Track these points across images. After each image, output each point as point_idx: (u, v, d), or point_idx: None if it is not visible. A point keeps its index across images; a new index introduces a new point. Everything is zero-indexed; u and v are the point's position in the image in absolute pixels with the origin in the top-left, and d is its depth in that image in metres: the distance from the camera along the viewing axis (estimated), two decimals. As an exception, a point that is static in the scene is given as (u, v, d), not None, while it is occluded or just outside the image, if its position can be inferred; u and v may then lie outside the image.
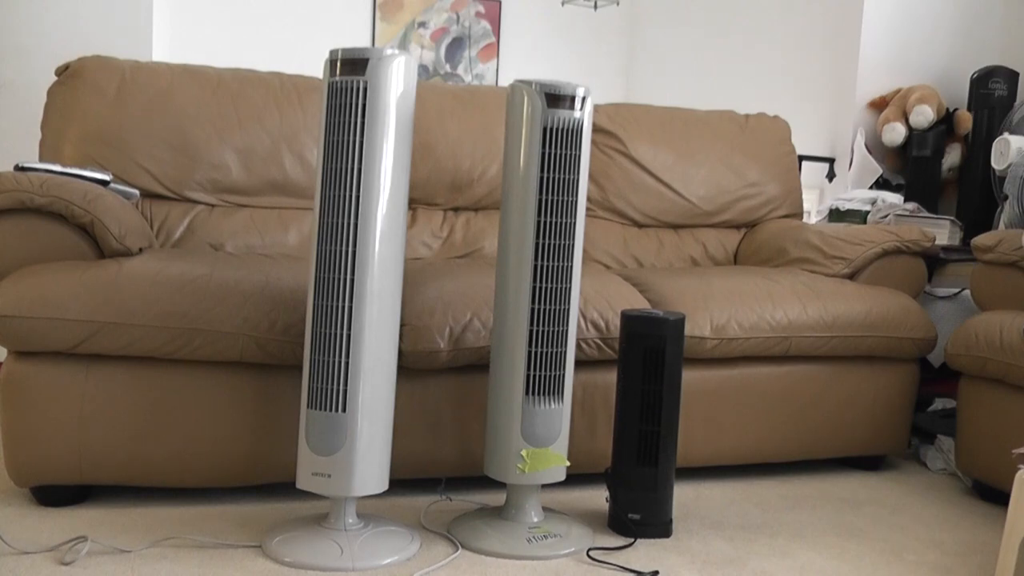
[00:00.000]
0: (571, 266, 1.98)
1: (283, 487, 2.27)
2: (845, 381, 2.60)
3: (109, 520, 2.02)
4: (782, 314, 2.49)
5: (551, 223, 1.96)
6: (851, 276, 2.77)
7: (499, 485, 2.36)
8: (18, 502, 2.10)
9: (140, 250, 2.23)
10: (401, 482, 2.33)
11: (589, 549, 2.00)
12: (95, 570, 1.76)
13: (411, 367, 2.18)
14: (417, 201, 2.86)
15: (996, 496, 2.47)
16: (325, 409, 1.85)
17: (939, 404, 3.00)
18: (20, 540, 1.88)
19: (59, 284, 2.01)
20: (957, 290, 3.00)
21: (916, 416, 2.87)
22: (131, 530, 1.97)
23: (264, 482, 2.17)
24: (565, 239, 1.97)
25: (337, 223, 1.84)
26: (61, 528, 1.96)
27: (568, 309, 2.00)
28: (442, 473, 2.28)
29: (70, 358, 2.03)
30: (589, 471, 2.36)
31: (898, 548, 2.12)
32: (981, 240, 2.61)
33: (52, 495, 2.09)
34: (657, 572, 1.90)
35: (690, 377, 2.44)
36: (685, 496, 2.41)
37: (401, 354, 2.14)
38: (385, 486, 1.93)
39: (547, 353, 1.98)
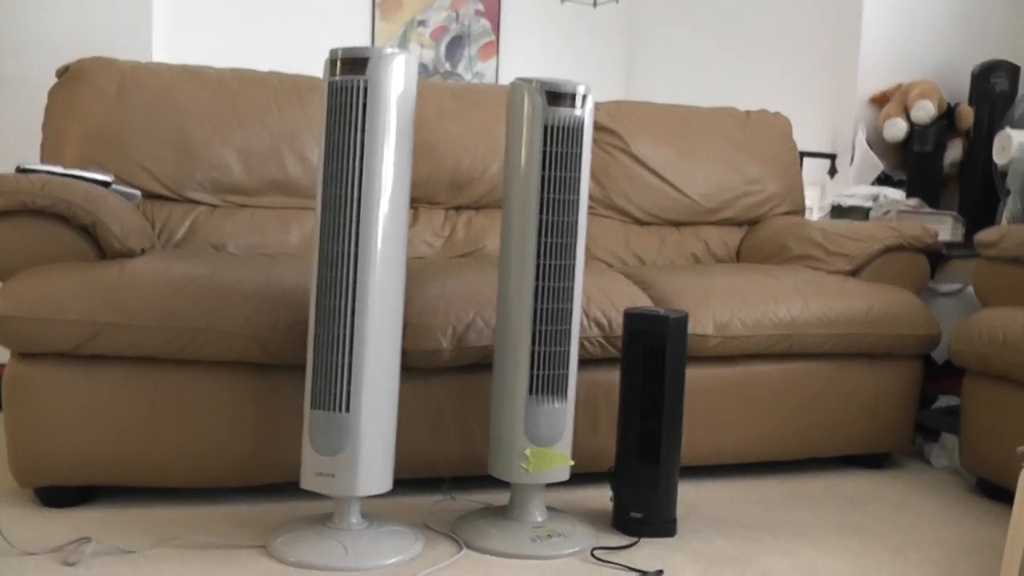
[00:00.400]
0: (573, 264, 1.98)
1: (287, 487, 2.27)
2: (848, 378, 2.60)
3: (113, 521, 2.02)
4: (784, 311, 2.49)
5: (553, 221, 1.95)
6: (853, 273, 2.77)
7: (503, 484, 2.36)
8: (22, 503, 2.10)
9: (142, 251, 2.23)
10: (405, 481, 2.33)
11: (593, 548, 2.00)
12: (99, 571, 1.76)
13: (414, 366, 2.18)
14: (418, 200, 2.86)
15: (1000, 494, 2.47)
16: (328, 409, 1.85)
17: (943, 401, 3.00)
18: (24, 541, 1.88)
19: (61, 285, 2.01)
20: (960, 286, 2.99)
21: (920, 413, 2.87)
22: (135, 531, 1.97)
23: (268, 482, 2.17)
24: (567, 237, 1.97)
25: (339, 222, 1.84)
26: (65, 529, 1.96)
27: (571, 308, 1.99)
28: (446, 472, 2.28)
29: (72, 359, 2.03)
30: (593, 470, 2.36)
31: (901, 546, 2.12)
32: (984, 236, 2.60)
33: (56, 496, 2.09)
34: (661, 571, 1.90)
35: (692, 375, 2.43)
36: (688, 494, 2.41)
37: (404, 353, 2.14)
38: (389, 486, 1.93)
39: (550, 352, 1.98)
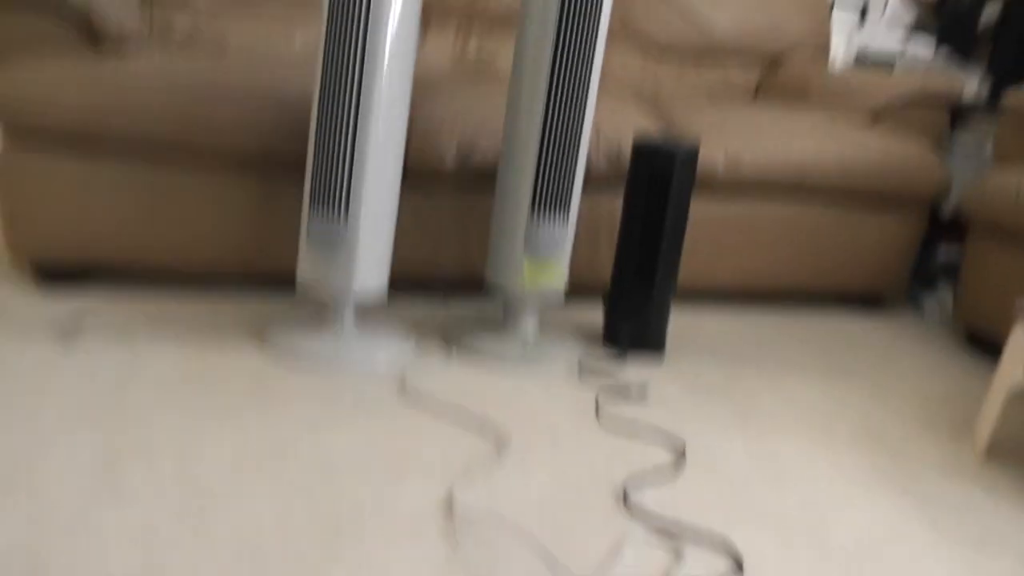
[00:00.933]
0: (588, 78, 1.95)
1: (283, 286, 2.30)
2: (854, 222, 2.59)
3: (110, 307, 2.06)
4: (798, 151, 2.47)
5: (570, 35, 1.91)
6: (872, 121, 2.73)
7: (498, 300, 2.38)
8: (19, 280, 2.13)
9: (136, 42, 2.19)
10: (401, 291, 2.36)
11: (580, 359, 2.04)
12: (97, 352, 1.80)
13: (417, 180, 2.17)
14: (431, 14, 2.79)
15: (988, 349, 2.49)
16: (327, 208, 1.85)
17: (943, 255, 3.00)
18: (20, 320, 1.91)
19: (57, 71, 1.98)
20: (979, 143, 2.95)
21: (919, 264, 2.88)
22: (132, 316, 2.01)
23: (263, 272, 2.20)
24: (584, 50, 1.92)
25: (345, 33, 1.78)
26: (61, 309, 2.00)
27: (581, 123, 1.97)
28: (442, 284, 2.31)
29: (69, 145, 2.02)
30: (588, 293, 2.38)
31: (883, 392, 2.15)
32: (1011, 95, 2.55)
33: (52, 272, 2.11)
34: (645, 384, 1.94)
35: (699, 207, 2.42)
36: (682, 322, 2.43)
37: (407, 168, 2.13)
38: (384, 286, 1.95)
39: (556, 168, 1.96)
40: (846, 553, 1.42)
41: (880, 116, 2.73)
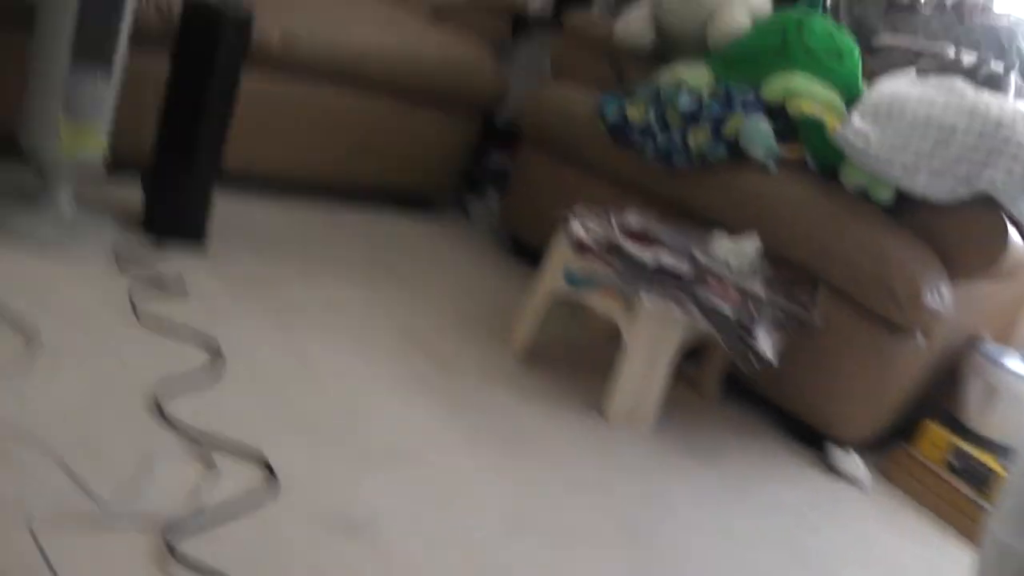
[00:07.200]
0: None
1: None
2: (410, 119, 2.78)
3: None
4: (359, 37, 2.58)
5: None
6: (435, 18, 2.90)
7: (32, 167, 2.20)
8: None
9: None
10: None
11: (117, 246, 2.00)
12: None
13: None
14: None
15: (531, 257, 2.73)
16: None
17: (495, 162, 3.27)
18: None
19: None
20: (537, 56, 3.22)
21: (471, 169, 3.12)
22: None
23: None
24: None
25: None
26: None
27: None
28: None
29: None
30: (133, 168, 2.26)
31: (427, 296, 2.35)
32: (571, 14, 2.82)
33: None
34: (182, 277, 1.95)
35: (252, 83, 2.37)
36: (228, 210, 2.38)
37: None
38: None
39: (99, 11, 1.89)
40: (380, 458, 1.58)
41: (442, 14, 2.90)
